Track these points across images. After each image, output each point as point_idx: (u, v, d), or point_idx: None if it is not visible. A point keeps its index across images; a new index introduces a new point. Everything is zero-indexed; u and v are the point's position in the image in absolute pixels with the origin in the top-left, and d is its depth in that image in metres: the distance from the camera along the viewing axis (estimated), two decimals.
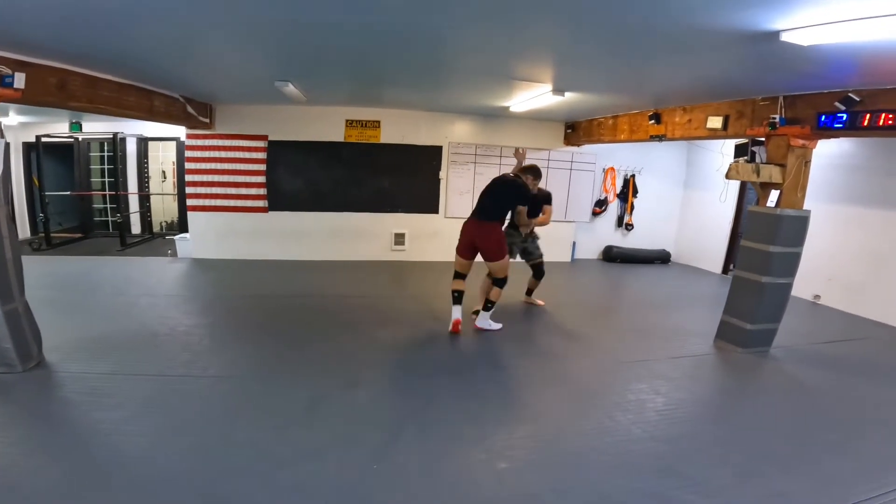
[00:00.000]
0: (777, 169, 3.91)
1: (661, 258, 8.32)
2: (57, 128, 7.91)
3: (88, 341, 3.69)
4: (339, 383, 3.25)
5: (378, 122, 6.93)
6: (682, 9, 2.21)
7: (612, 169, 8.07)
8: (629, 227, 8.31)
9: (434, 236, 7.42)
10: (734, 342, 4.22)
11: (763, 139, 4.05)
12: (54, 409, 2.77)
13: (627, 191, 8.17)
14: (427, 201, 7.34)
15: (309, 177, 6.92)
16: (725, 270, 7.53)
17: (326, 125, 6.80)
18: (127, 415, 2.72)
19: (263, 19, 2.62)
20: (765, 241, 3.97)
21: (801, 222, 3.98)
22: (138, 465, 2.28)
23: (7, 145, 3.06)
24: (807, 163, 3.95)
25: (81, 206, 8.69)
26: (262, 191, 6.78)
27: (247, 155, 6.66)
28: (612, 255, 8.20)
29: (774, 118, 3.86)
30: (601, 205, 8.13)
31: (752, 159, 4.08)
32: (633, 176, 8.15)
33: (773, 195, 3.98)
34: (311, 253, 7.05)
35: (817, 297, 5.98)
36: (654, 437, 2.79)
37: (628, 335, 4.60)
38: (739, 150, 4.30)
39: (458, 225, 7.30)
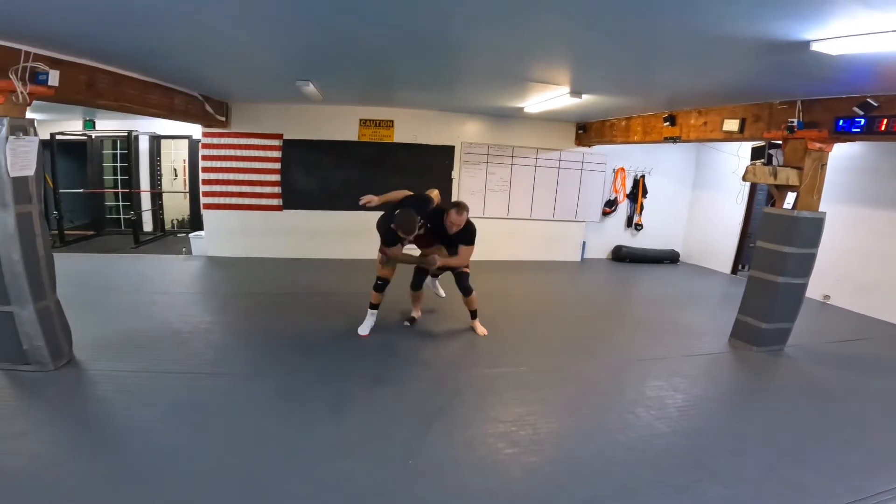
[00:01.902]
0: (794, 172, 3.96)
1: (669, 258, 8.37)
2: (70, 125, 7.97)
3: (114, 339, 3.75)
4: (362, 381, 3.32)
5: (391, 121, 6.97)
6: (716, 19, 2.26)
7: (622, 169, 8.12)
8: (638, 227, 8.36)
9: None
10: (749, 341, 4.29)
11: (780, 142, 4.10)
12: (90, 408, 2.83)
13: (637, 191, 8.22)
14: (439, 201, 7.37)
15: (323, 175, 6.96)
16: (734, 270, 7.58)
17: (340, 124, 6.84)
18: (160, 413, 2.78)
19: (290, 20, 2.66)
20: (781, 242, 4.04)
21: (817, 224, 4.05)
22: (177, 463, 2.34)
23: (40, 143, 3.09)
24: (823, 165, 4.01)
25: (94, 203, 8.74)
26: (277, 189, 6.83)
27: (262, 153, 6.71)
28: (621, 255, 8.26)
29: (792, 122, 3.90)
30: (611, 205, 8.18)
31: (770, 162, 4.13)
32: (642, 176, 8.20)
33: (789, 197, 4.04)
34: (324, 251, 7.10)
35: (827, 297, 6.03)
36: (676, 432, 2.88)
37: (642, 334, 4.66)
38: (756, 153, 4.35)
39: None
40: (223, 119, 6.33)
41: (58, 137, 7.75)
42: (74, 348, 3.40)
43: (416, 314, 4.60)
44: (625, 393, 3.39)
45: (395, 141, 7.03)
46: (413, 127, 7.03)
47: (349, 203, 7.03)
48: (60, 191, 7.84)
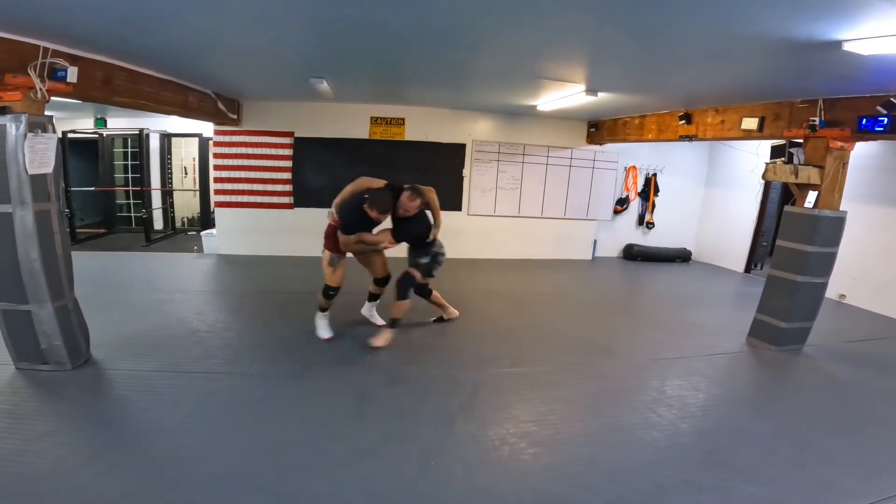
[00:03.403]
0: (815, 170, 3.91)
1: (681, 257, 8.31)
2: (82, 124, 7.99)
3: (131, 338, 3.75)
4: (380, 380, 3.30)
5: (402, 119, 6.95)
6: (747, 18, 2.23)
7: (634, 168, 8.06)
8: (650, 225, 8.30)
9: (457, 233, 7.41)
10: (768, 340, 4.25)
11: (801, 141, 4.05)
12: (109, 409, 2.81)
13: (649, 189, 8.16)
14: (450, 199, 7.33)
15: (334, 173, 6.90)
16: (748, 269, 7.51)
17: (352, 122, 6.82)
18: (180, 413, 2.76)
19: (305, 14, 2.64)
20: (802, 241, 3.99)
21: (838, 223, 4.01)
22: (201, 464, 2.32)
23: (58, 140, 3.07)
24: (844, 164, 3.96)
25: (105, 201, 8.77)
26: (288, 187, 6.82)
27: (273, 151, 6.70)
28: (632, 254, 8.21)
29: (814, 121, 3.85)
30: (622, 203, 8.12)
31: (790, 161, 4.08)
32: (654, 175, 8.14)
33: (810, 196, 3.99)
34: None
35: (843, 296, 5.97)
36: (700, 431, 2.87)
37: (658, 333, 4.62)
38: (776, 152, 4.30)
39: (482, 222, 7.53)
40: (235, 117, 6.32)
41: (69, 135, 7.78)
42: (92, 347, 3.39)
43: (447, 315, 4.51)
44: (646, 392, 3.36)
45: (406, 139, 7.00)
46: (424, 125, 7.01)
47: None
48: (72, 189, 7.88)
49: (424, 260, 3.97)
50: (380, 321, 4.27)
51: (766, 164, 4.26)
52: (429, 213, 3.95)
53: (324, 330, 3.98)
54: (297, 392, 3.11)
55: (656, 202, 8.26)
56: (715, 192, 8.19)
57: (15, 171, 2.81)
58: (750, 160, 6.47)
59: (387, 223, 3.74)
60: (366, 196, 3.48)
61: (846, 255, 5.53)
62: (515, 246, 7.68)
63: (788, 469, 2.50)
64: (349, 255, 3.82)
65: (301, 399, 3.03)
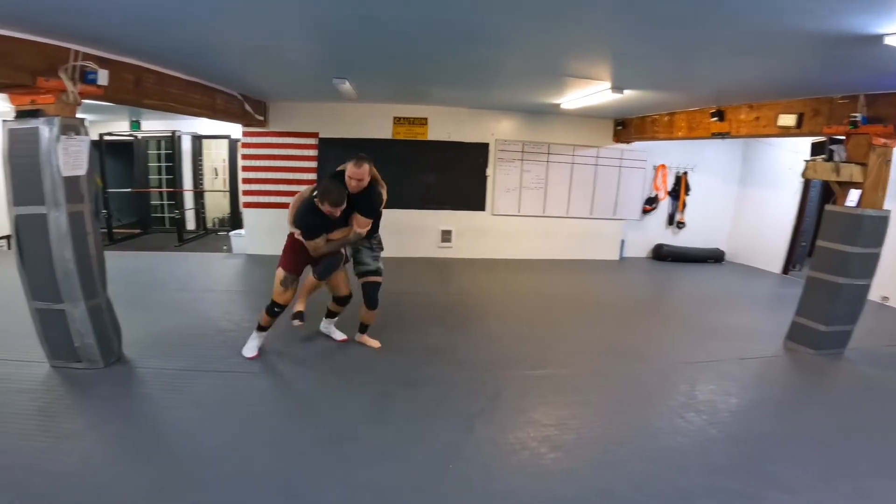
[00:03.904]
0: (857, 168, 3.71)
1: (714, 257, 8.04)
2: (118, 126, 8.28)
3: (161, 336, 3.84)
4: (400, 381, 3.29)
5: (425, 119, 6.94)
6: (783, 12, 2.14)
7: (663, 166, 7.84)
8: (681, 225, 8.06)
9: (481, 233, 7.40)
10: (806, 343, 4.08)
11: (842, 138, 3.85)
12: (138, 407, 2.87)
13: (679, 188, 7.92)
14: (474, 198, 7.32)
15: None
16: (786, 270, 7.20)
17: (375, 122, 6.86)
18: (205, 412, 2.80)
19: (326, 15, 2.64)
20: (843, 241, 3.81)
21: (882, 222, 3.81)
22: (222, 463, 2.34)
23: (91, 143, 3.16)
24: (887, 162, 3.75)
25: (140, 202, 9.08)
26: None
27: (299, 152, 6.79)
28: (662, 254, 7.99)
29: (855, 117, 3.65)
30: (651, 202, 7.91)
31: (831, 158, 3.88)
32: (685, 173, 7.90)
33: (852, 194, 3.79)
34: None
35: (886, 298, 5.66)
36: (730, 437, 2.76)
37: (689, 335, 4.48)
38: (816, 149, 4.11)
39: (506, 222, 7.47)
40: (262, 118, 6.43)
41: (106, 138, 8.07)
42: (123, 346, 3.47)
43: (301, 307, 3.74)
44: (673, 396, 3.24)
45: (429, 139, 6.99)
46: (447, 124, 6.99)
47: None
48: (109, 190, 8.18)
49: (374, 264, 3.59)
50: (340, 336, 3.94)
51: (806, 161, 4.07)
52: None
53: (251, 349, 3.55)
54: (318, 392, 3.13)
55: (687, 201, 8.02)
56: (750, 191, 7.89)
57: (49, 173, 2.90)
58: (788, 158, 6.21)
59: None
60: (315, 194, 3.17)
61: (890, 256, 5.27)
62: (540, 246, 7.58)
63: (824, 477, 2.39)
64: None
65: (321, 399, 3.04)
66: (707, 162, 7.91)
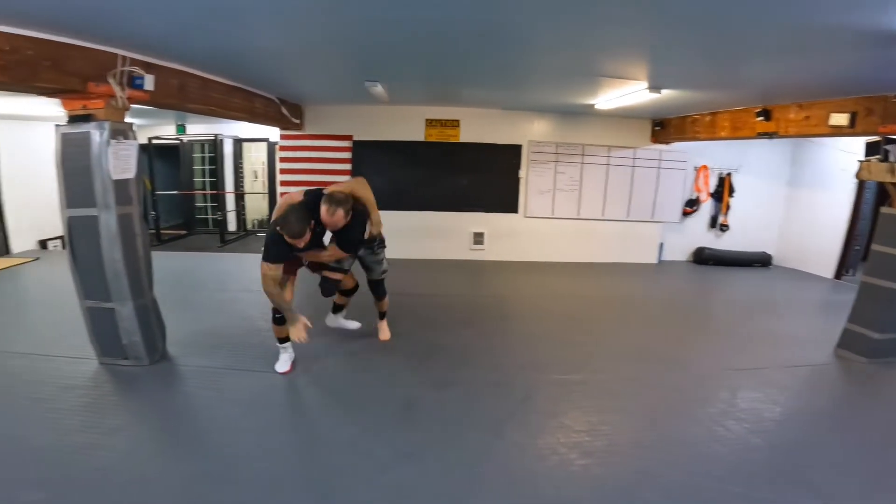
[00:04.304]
0: None
1: (760, 261, 7.68)
2: (165, 130, 8.66)
3: (202, 336, 3.96)
4: (430, 382, 3.28)
5: (457, 121, 6.94)
6: (832, 6, 2.02)
7: (705, 167, 7.56)
8: (724, 227, 7.74)
9: (513, 236, 7.33)
10: (859, 352, 3.86)
11: None
12: (179, 404, 2.97)
13: (722, 190, 7.61)
14: (506, 201, 7.26)
15: (390, 176, 7.05)
16: (839, 275, 6.80)
17: (407, 125, 6.90)
18: (241, 411, 2.86)
19: (354, 17, 2.64)
20: None
21: None
22: (254, 461, 2.39)
23: (139, 147, 3.29)
24: None
25: (185, 204, 9.46)
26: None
27: (333, 155, 6.91)
28: (703, 257, 7.69)
29: None
30: (692, 204, 7.63)
31: (886, 158, 3.64)
32: (729, 174, 7.59)
33: None
34: (392, 251, 7.00)
35: None
36: (773, 446, 2.63)
37: (732, 342, 4.29)
38: (871, 149, 3.87)
39: (539, 224, 7.37)
40: (298, 121, 6.58)
41: (154, 141, 8.45)
42: (167, 344, 3.59)
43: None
44: (713, 404, 3.11)
45: (462, 140, 6.98)
46: (479, 126, 6.96)
47: (416, 203, 7.13)
48: (157, 192, 8.56)
49: (378, 270, 3.78)
50: (353, 325, 3.98)
51: (860, 162, 3.83)
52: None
53: (283, 363, 3.43)
54: (349, 393, 3.16)
55: (731, 203, 7.70)
56: (800, 193, 7.49)
57: (99, 176, 3.04)
58: (841, 158, 5.87)
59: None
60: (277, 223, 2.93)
61: None
62: (575, 249, 7.44)
63: (870, 489, 2.26)
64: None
65: (352, 400, 3.07)
66: (753, 163, 7.57)
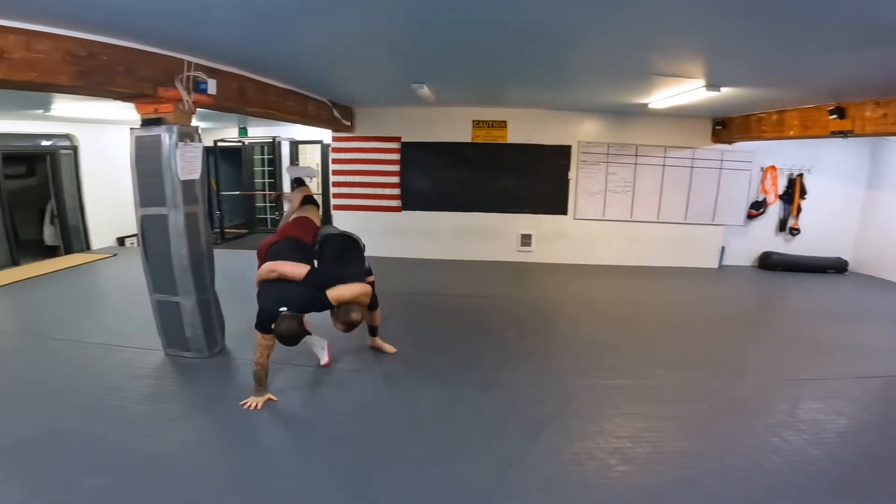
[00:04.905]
0: None
1: (834, 267, 7.11)
2: (228, 133, 9.18)
3: None
4: (471, 384, 3.29)
5: (504, 122, 6.91)
6: None
7: (773, 168, 7.09)
8: (794, 231, 7.23)
9: (562, 238, 7.21)
10: None
11: None
12: (233, 395, 3.06)
13: (793, 192, 7.11)
14: (555, 202, 7.14)
15: (438, 177, 7.14)
16: None
17: (454, 126, 6.95)
18: (288, 405, 2.98)
19: (401, 21, 2.69)
20: None
21: None
22: (297, 454, 2.49)
23: (204, 149, 3.51)
24: None
25: (247, 204, 10.00)
26: (397, 191, 7.16)
27: (382, 156, 7.08)
28: (771, 263, 7.21)
29: None
30: (758, 207, 7.18)
31: None
32: (800, 175, 7.08)
33: None
34: (439, 252, 7.27)
35: None
36: (834, 459, 2.47)
37: (799, 351, 4.04)
38: None
39: (589, 227, 7.22)
40: (349, 123, 6.79)
41: (219, 144, 8.98)
42: (226, 338, 3.78)
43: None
44: (772, 414, 2.95)
45: (509, 141, 6.94)
46: (526, 127, 6.89)
47: (463, 204, 7.18)
48: (222, 193, 9.10)
49: None
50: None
51: None
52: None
53: (322, 354, 3.52)
54: (390, 391, 3.22)
55: (802, 205, 7.18)
56: (881, 195, 6.88)
57: (169, 177, 3.26)
58: None
59: None
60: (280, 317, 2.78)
61: None
62: (626, 252, 7.21)
63: None
64: None
65: (393, 398, 3.13)
66: (826, 163, 7.03)
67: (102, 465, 2.32)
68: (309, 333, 3.38)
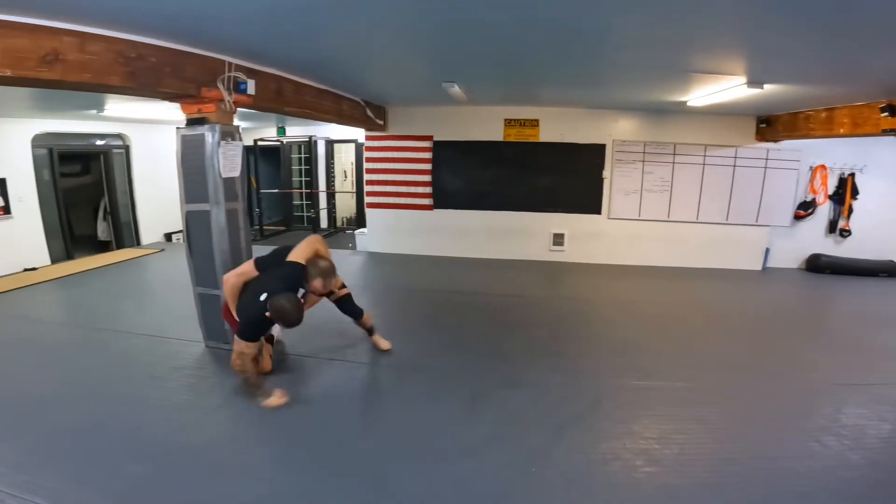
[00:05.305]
0: None
1: (886, 270, 6.71)
2: (268, 132, 9.48)
3: None
4: (498, 381, 3.30)
5: (536, 120, 6.85)
6: None
7: (823, 167, 6.75)
8: (845, 233, 6.86)
9: (595, 237, 7.10)
10: None
11: None
12: (267, 388, 3.13)
13: (844, 192, 6.75)
14: (588, 201, 7.03)
15: (470, 176, 7.16)
16: None
17: (486, 125, 6.93)
18: (317, 398, 3.07)
19: (431, 20, 2.70)
20: None
21: None
22: (317, 448, 2.54)
23: (244, 148, 3.66)
24: None
25: (284, 201, 10.31)
26: (429, 189, 7.22)
27: (415, 155, 7.15)
28: (819, 265, 6.87)
29: None
30: (806, 207, 6.85)
31: None
32: (851, 175, 6.72)
33: None
34: (470, 250, 7.29)
35: None
36: (875, 465, 2.38)
37: (844, 355, 3.86)
38: None
39: (624, 227, 7.10)
40: (381, 123, 6.89)
41: (259, 143, 9.29)
42: None
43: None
44: (811, 419, 2.84)
45: (541, 140, 6.88)
46: (559, 125, 6.81)
47: (495, 203, 7.17)
48: (261, 190, 9.41)
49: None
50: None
51: None
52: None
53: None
54: (417, 386, 3.26)
55: (853, 206, 6.81)
56: None
57: (212, 174, 3.42)
58: None
59: None
60: (266, 312, 2.76)
61: None
62: (663, 252, 7.02)
63: None
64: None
65: (420, 393, 3.17)
66: (880, 162, 6.63)
67: (145, 454, 2.42)
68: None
